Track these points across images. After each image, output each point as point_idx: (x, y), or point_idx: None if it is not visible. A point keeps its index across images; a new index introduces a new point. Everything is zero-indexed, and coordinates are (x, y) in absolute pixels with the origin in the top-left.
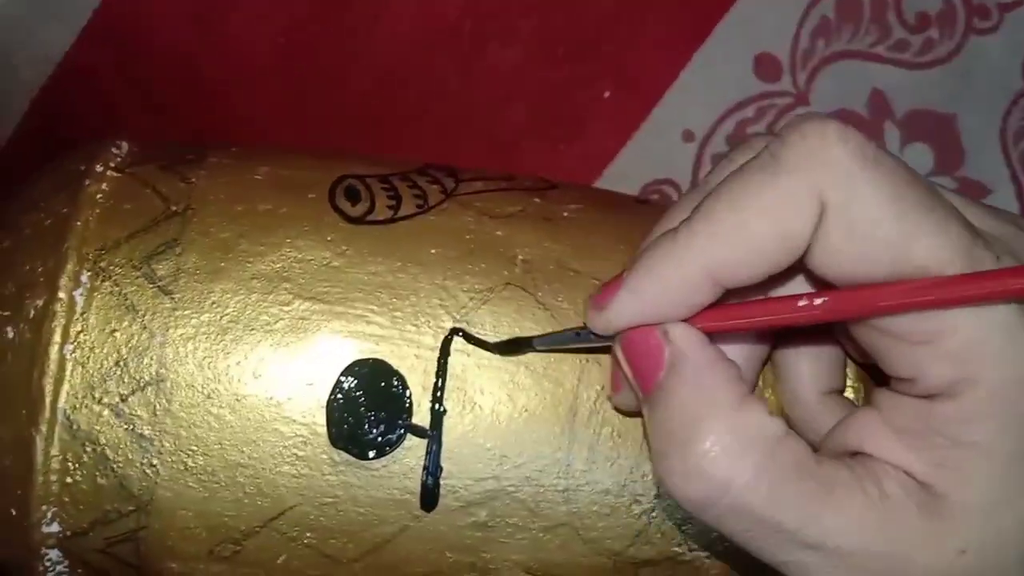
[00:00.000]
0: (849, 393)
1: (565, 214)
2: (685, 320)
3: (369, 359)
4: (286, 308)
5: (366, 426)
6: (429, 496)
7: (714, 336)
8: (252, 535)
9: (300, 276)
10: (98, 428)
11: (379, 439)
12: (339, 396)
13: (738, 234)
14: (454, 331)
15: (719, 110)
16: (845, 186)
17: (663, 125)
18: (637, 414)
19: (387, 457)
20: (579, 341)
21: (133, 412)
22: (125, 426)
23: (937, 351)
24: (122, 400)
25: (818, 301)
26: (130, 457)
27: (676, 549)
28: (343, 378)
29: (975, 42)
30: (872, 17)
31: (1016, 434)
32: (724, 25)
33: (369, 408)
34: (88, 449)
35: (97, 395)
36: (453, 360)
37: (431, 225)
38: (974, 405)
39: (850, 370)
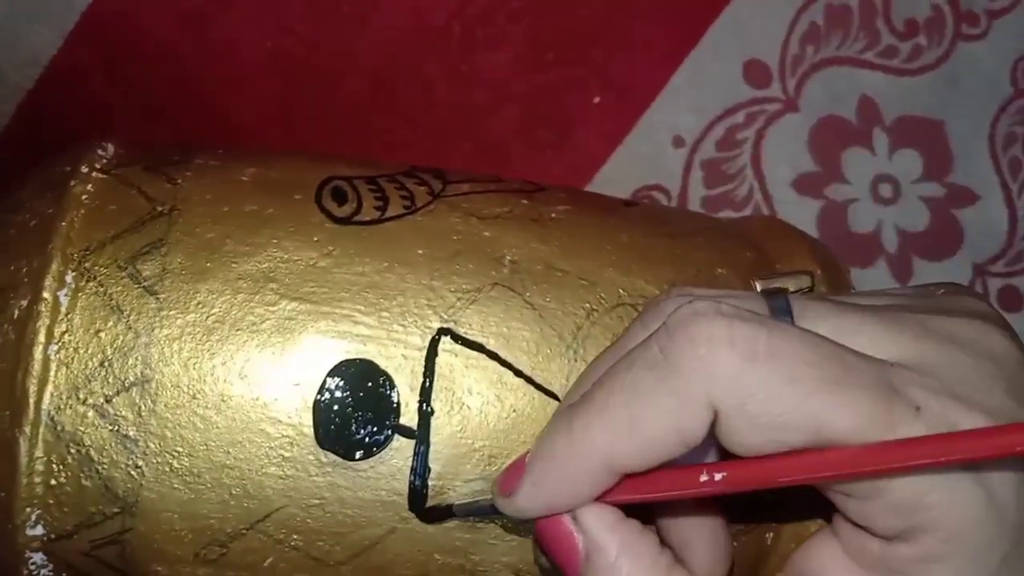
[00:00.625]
0: None
1: (553, 215)
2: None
3: (356, 359)
4: (272, 308)
5: (353, 427)
6: (417, 497)
7: None
8: (238, 537)
9: (286, 276)
10: (83, 429)
11: (366, 440)
12: (326, 397)
13: (633, 431)
14: (442, 331)
15: (709, 116)
16: (736, 390)
17: (653, 131)
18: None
19: (374, 458)
20: (498, 514)
21: (118, 413)
22: (110, 427)
23: (881, 505)
24: (107, 401)
25: (718, 476)
26: (115, 458)
27: None
28: (330, 379)
29: (963, 48)
30: (861, 24)
31: (979, 571)
32: (714, 31)
33: (356, 409)
34: (72, 450)
35: (82, 396)
36: (441, 360)
37: (418, 226)
38: (932, 548)
39: None
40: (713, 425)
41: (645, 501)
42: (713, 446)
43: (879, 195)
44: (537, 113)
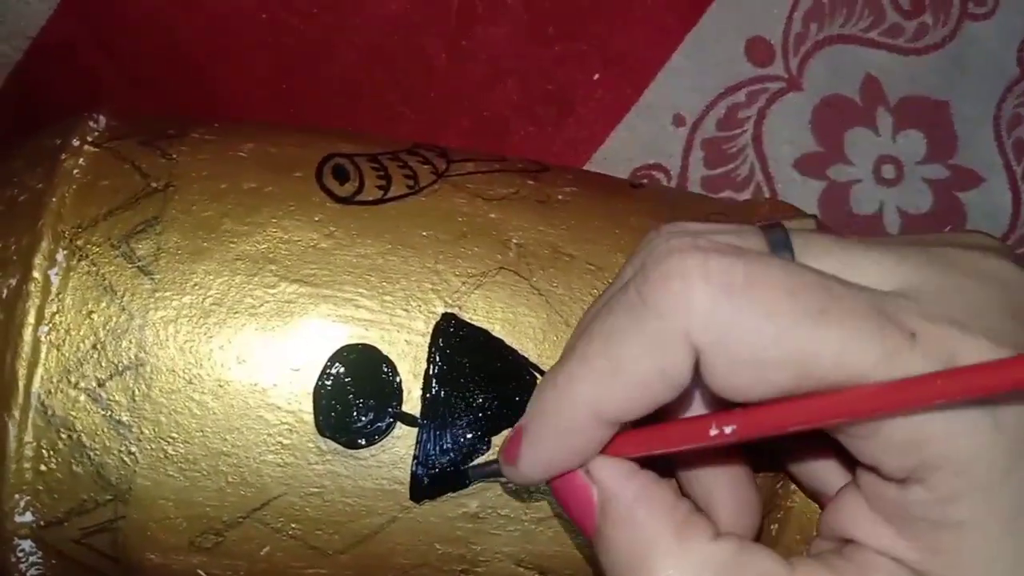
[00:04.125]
0: None
1: (560, 197)
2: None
3: (358, 344)
4: (271, 291)
5: (354, 414)
6: (419, 486)
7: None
8: (235, 526)
9: (286, 258)
10: (74, 414)
11: (368, 427)
12: (327, 383)
13: (615, 378)
14: (447, 316)
15: (710, 94)
16: (712, 326)
17: (653, 108)
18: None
19: (376, 446)
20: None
21: (111, 397)
22: (102, 412)
23: (883, 444)
24: (99, 385)
25: (728, 429)
26: (108, 444)
27: None
28: (331, 364)
29: (970, 28)
30: (866, 1)
31: (1002, 504)
32: (716, 7)
33: (358, 395)
34: (64, 436)
35: (73, 379)
36: (444, 346)
37: (422, 207)
38: (946, 486)
39: None
40: (698, 367)
41: (653, 456)
42: (700, 390)
43: (882, 176)
44: (537, 89)
